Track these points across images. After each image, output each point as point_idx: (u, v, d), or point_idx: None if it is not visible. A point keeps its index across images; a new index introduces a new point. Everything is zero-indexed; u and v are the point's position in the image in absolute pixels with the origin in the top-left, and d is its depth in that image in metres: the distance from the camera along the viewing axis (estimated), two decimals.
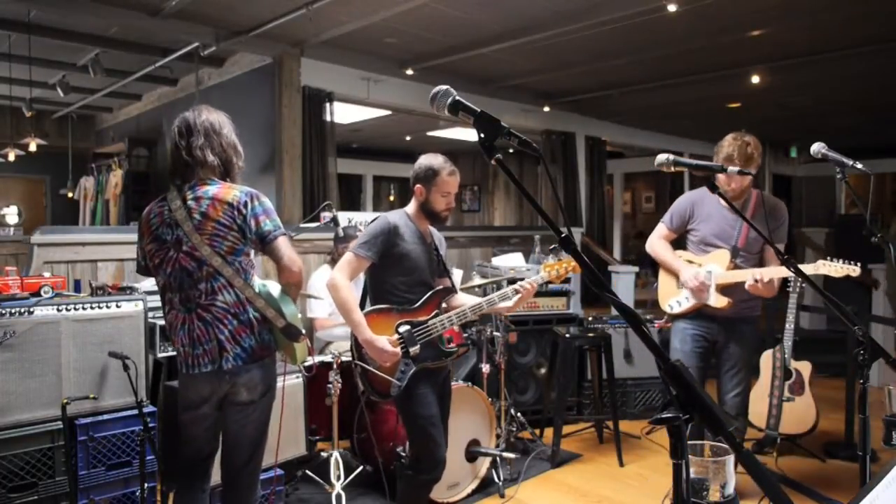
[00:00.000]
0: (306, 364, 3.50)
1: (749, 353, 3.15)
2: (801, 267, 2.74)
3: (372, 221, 2.64)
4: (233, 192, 2.20)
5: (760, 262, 3.07)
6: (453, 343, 2.69)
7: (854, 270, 2.65)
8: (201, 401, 2.20)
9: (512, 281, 2.88)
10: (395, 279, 2.59)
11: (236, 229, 2.17)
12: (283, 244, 2.22)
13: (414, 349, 2.52)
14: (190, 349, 2.16)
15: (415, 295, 2.61)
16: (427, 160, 2.63)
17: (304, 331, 2.27)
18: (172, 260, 2.17)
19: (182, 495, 2.33)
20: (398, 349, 2.48)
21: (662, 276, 3.25)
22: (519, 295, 2.66)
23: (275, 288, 2.27)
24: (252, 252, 2.26)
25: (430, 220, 2.67)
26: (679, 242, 3.32)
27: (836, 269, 2.67)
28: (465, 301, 2.72)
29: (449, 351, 2.65)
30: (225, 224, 2.16)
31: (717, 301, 2.97)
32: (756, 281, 2.81)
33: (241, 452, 2.25)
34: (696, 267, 3.07)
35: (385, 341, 2.45)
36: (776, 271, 2.83)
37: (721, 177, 2.97)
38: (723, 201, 3.03)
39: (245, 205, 2.18)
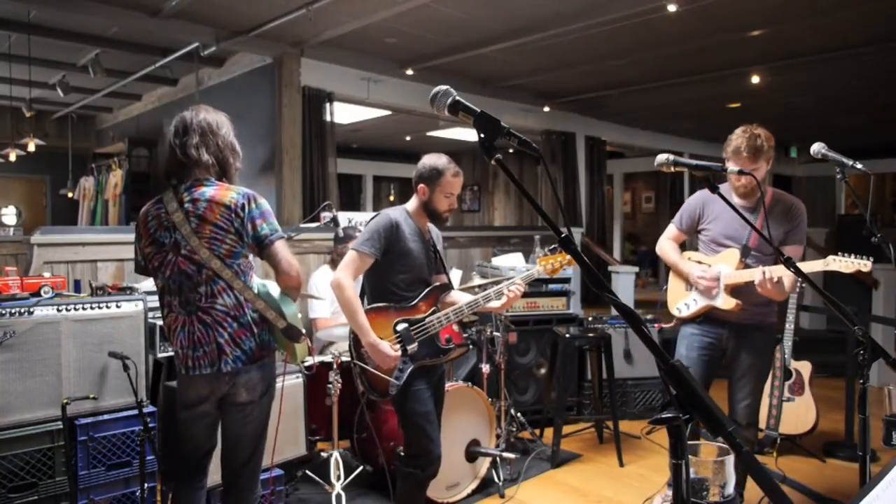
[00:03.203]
0: (306, 364, 3.50)
1: (762, 362, 2.94)
2: (813, 263, 2.61)
3: (372, 218, 2.64)
4: (230, 193, 2.18)
5: (776, 264, 2.81)
6: (453, 342, 2.69)
7: (865, 265, 2.50)
8: (200, 400, 2.21)
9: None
10: (395, 277, 2.59)
11: (234, 232, 2.15)
12: (280, 248, 2.20)
13: (411, 347, 2.52)
14: (190, 351, 2.16)
15: (413, 292, 2.61)
16: (431, 160, 2.62)
17: (304, 331, 2.27)
18: (171, 263, 2.16)
19: (180, 491, 2.34)
20: (398, 352, 2.49)
21: (672, 278, 3.12)
22: (505, 297, 2.66)
23: (274, 288, 2.27)
24: (250, 254, 2.25)
25: (432, 219, 2.68)
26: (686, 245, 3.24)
27: (846, 264, 2.53)
28: (459, 299, 2.72)
29: (447, 348, 2.65)
30: (223, 227, 2.14)
31: (725, 303, 2.82)
32: (765, 278, 2.63)
33: (241, 452, 2.25)
34: (706, 266, 2.93)
35: (388, 346, 2.46)
36: (781, 269, 2.63)
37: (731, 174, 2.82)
38: (735, 199, 2.89)
39: (242, 207, 2.16)
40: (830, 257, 2.58)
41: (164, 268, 2.17)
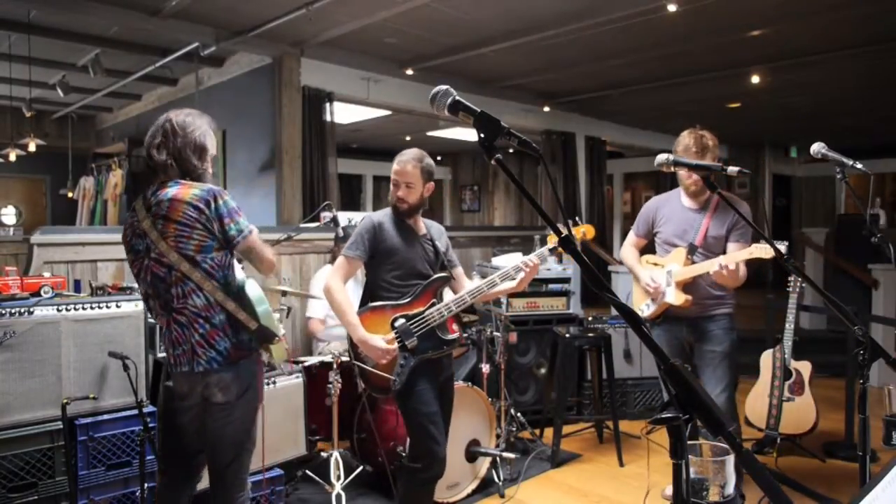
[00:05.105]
0: (307, 364, 3.51)
1: (723, 350, 3.03)
2: (738, 254, 2.84)
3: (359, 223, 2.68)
4: (192, 191, 2.15)
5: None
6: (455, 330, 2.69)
7: (780, 248, 2.42)
8: (185, 394, 2.24)
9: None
10: (387, 275, 2.61)
11: (200, 227, 2.12)
12: (252, 243, 2.19)
13: (410, 342, 2.52)
14: (171, 350, 2.20)
15: (409, 288, 2.62)
16: None
17: (280, 332, 2.25)
18: (147, 268, 2.18)
19: (166, 485, 2.36)
20: (394, 346, 2.49)
21: (634, 282, 3.30)
22: (522, 273, 2.60)
23: (252, 288, 2.23)
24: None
25: (393, 211, 2.69)
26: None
27: (765, 250, 2.65)
28: (468, 288, 2.71)
29: (450, 339, 2.63)
30: (186, 223, 2.11)
31: (677, 298, 3.01)
32: (721, 267, 2.78)
33: (223, 453, 2.22)
34: (655, 270, 3.12)
35: (379, 339, 2.47)
36: (738, 255, 2.83)
37: (681, 172, 2.99)
38: (685, 201, 3.10)
39: (207, 204, 2.13)
40: (754, 245, 2.75)
41: (144, 273, 2.20)
